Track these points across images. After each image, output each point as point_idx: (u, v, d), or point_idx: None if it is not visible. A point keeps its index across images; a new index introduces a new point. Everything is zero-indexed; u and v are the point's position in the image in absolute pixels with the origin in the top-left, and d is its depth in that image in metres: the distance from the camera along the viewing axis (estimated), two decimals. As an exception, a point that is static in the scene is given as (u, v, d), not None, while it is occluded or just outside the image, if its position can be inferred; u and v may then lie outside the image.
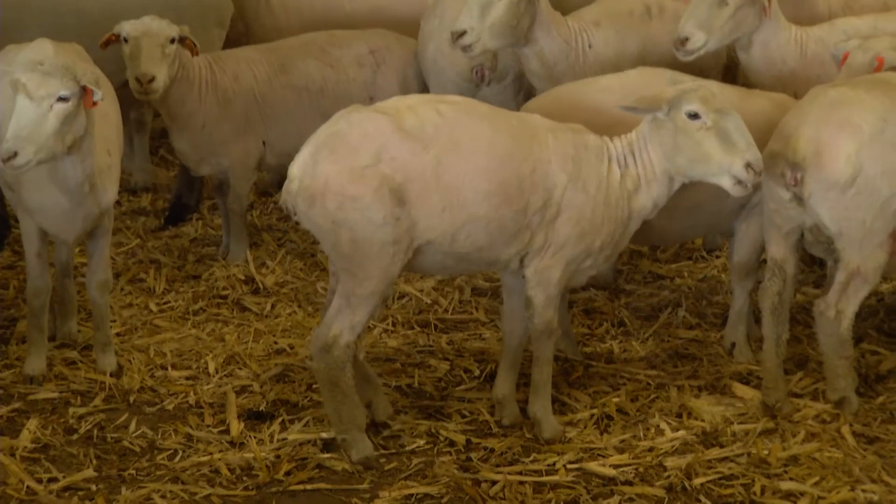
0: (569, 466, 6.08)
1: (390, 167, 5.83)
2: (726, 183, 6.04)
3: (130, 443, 6.30)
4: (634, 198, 6.20)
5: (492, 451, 6.22)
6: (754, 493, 5.93)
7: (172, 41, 7.61)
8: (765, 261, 6.62)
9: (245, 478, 6.04)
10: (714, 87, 6.72)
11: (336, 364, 5.96)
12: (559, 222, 6.10)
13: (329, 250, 5.98)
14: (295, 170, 5.88)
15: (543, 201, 6.05)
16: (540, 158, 6.04)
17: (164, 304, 7.70)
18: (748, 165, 5.97)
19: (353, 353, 6.01)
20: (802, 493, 5.90)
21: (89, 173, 6.31)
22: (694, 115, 6.02)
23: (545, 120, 6.23)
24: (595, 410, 6.52)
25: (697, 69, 7.34)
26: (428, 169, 5.87)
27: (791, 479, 6.01)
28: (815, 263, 7.91)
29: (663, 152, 6.11)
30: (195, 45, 7.71)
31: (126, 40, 7.56)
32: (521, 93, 8.09)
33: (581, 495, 5.90)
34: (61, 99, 6.00)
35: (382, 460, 6.15)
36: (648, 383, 6.79)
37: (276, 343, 7.22)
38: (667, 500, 5.89)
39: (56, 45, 6.82)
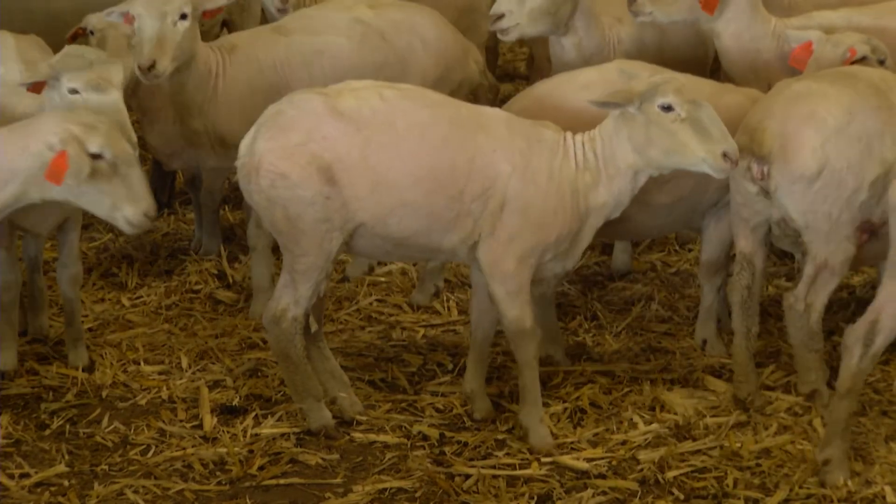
0: (542, 460, 6.09)
1: (320, 146, 5.96)
2: (706, 170, 6.04)
3: (103, 438, 6.28)
4: (593, 192, 6.18)
5: (465, 444, 6.22)
6: (727, 486, 5.95)
7: None
8: (734, 255, 6.64)
9: (218, 472, 6.03)
10: (682, 79, 6.73)
11: (285, 336, 6.16)
12: (506, 212, 6.10)
13: (269, 227, 6.21)
14: (241, 148, 6.11)
15: (483, 189, 6.05)
16: (482, 148, 6.06)
17: (137, 298, 7.68)
18: (724, 155, 5.98)
19: (301, 326, 6.17)
20: (776, 485, 5.93)
21: None
22: (667, 108, 6.02)
23: (505, 113, 6.26)
24: (568, 404, 6.53)
25: (682, 64, 7.33)
26: (356, 150, 5.97)
27: (763, 471, 6.04)
28: (786, 256, 7.94)
29: (632, 146, 6.09)
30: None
31: (92, 33, 7.54)
32: None
33: (554, 489, 5.92)
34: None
35: (356, 457, 6.16)
36: (621, 377, 6.80)
37: (248, 338, 7.20)
38: (640, 493, 5.90)
39: (16, 37, 6.91)
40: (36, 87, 6.17)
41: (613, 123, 6.13)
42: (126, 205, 5.83)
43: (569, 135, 6.21)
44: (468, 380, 6.45)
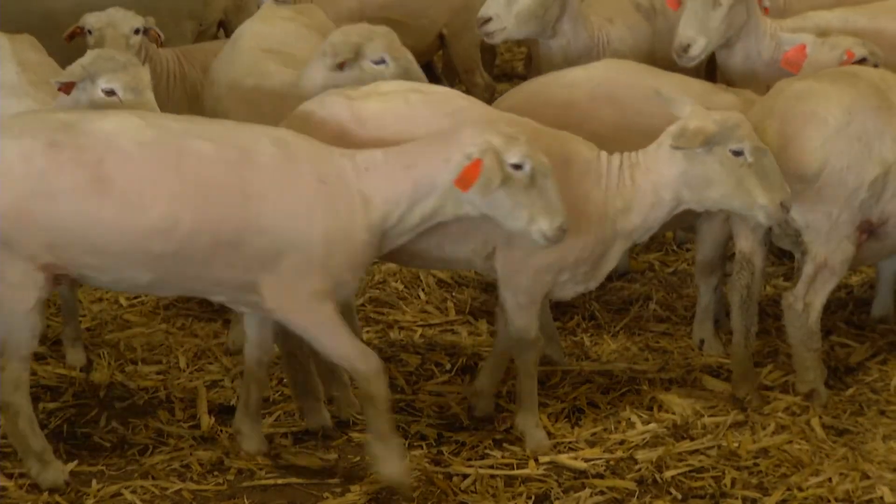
0: (540, 460, 6.09)
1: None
2: (759, 218, 5.99)
3: (101, 438, 6.28)
4: (623, 218, 6.02)
5: (463, 444, 6.22)
6: (724, 486, 5.95)
7: (137, 32, 7.58)
8: (733, 254, 6.64)
9: (216, 472, 6.03)
10: (675, 80, 6.75)
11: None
12: None
13: None
14: None
15: None
16: None
17: (135, 298, 7.67)
18: (781, 204, 5.95)
19: None
20: (774, 485, 5.93)
21: None
22: (738, 153, 5.92)
23: (534, 125, 6.07)
24: (566, 404, 6.53)
25: (674, 63, 7.32)
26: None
27: (761, 471, 6.04)
28: (785, 256, 7.94)
29: (686, 183, 5.94)
30: (160, 35, 7.68)
31: (90, 32, 7.54)
32: None
33: (552, 488, 5.91)
34: None
35: (354, 456, 6.16)
36: (619, 376, 6.80)
37: (246, 337, 7.20)
38: (637, 492, 5.90)
39: (10, 38, 6.90)
40: (66, 88, 6.16)
41: (668, 157, 5.96)
42: (542, 217, 5.61)
43: (604, 155, 6.05)
44: (481, 378, 6.43)
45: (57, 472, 5.84)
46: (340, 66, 6.52)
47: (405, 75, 6.50)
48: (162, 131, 5.58)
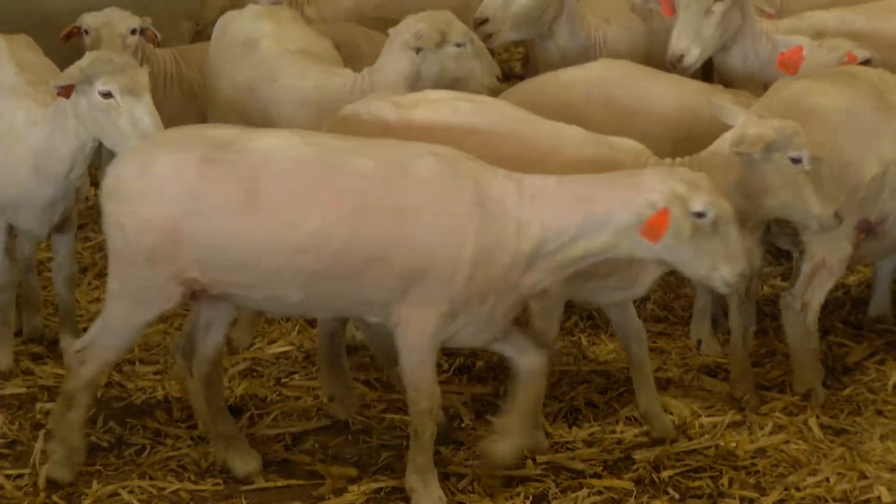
0: (538, 460, 6.09)
1: None
2: (813, 226, 5.99)
3: (98, 438, 6.27)
4: None
5: (461, 444, 6.22)
6: (722, 486, 5.95)
7: (133, 32, 7.57)
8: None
9: (214, 472, 6.02)
10: (673, 81, 6.74)
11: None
12: None
13: None
14: None
15: None
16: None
17: (132, 298, 7.65)
18: (836, 214, 5.95)
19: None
20: (772, 485, 5.94)
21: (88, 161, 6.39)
22: (797, 160, 5.91)
23: (584, 133, 6.03)
24: (563, 404, 6.53)
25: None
26: None
27: (759, 471, 6.04)
28: (782, 256, 7.94)
29: (741, 190, 5.90)
30: (157, 35, 7.67)
31: (87, 32, 7.53)
32: None
33: (550, 489, 5.91)
34: None
35: (352, 456, 6.16)
36: (617, 376, 6.80)
37: (244, 337, 7.20)
38: (635, 492, 5.90)
39: (7, 38, 6.91)
40: (66, 91, 6.13)
41: (725, 164, 5.91)
42: (724, 265, 5.49)
43: (654, 158, 5.99)
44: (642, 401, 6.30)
45: (67, 471, 5.84)
46: (417, 52, 6.63)
47: (480, 56, 6.69)
48: (321, 149, 5.54)
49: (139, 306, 5.62)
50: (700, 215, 5.43)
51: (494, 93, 8.08)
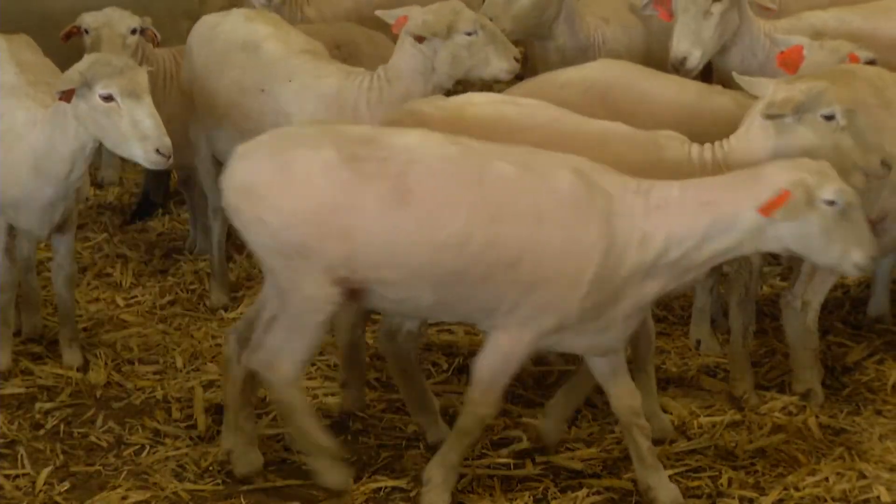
0: (537, 460, 6.09)
1: None
2: (857, 182, 5.88)
3: (97, 438, 6.28)
4: None
5: (460, 444, 6.22)
6: (721, 485, 5.95)
7: (133, 32, 7.57)
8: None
9: (213, 472, 6.02)
10: (672, 81, 6.74)
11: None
12: None
13: None
14: None
15: None
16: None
17: (131, 298, 7.67)
18: (883, 162, 5.89)
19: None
20: (771, 486, 5.94)
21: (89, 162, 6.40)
22: (830, 117, 5.85)
23: (626, 129, 6.03)
24: (563, 403, 6.53)
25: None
26: None
27: (758, 471, 6.05)
28: (781, 256, 7.94)
29: (780, 157, 5.79)
30: (156, 35, 7.67)
31: (87, 32, 7.53)
32: None
33: (549, 488, 5.91)
34: None
35: (351, 456, 6.16)
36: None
37: (243, 337, 7.19)
38: (634, 492, 5.90)
39: (7, 38, 6.91)
40: (66, 96, 6.13)
41: (761, 134, 5.88)
42: (855, 250, 5.49)
43: (695, 147, 5.98)
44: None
45: (342, 475, 5.82)
46: (420, 41, 6.65)
47: (494, 41, 6.68)
48: (464, 148, 5.54)
49: (309, 304, 5.55)
50: (831, 203, 5.42)
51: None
